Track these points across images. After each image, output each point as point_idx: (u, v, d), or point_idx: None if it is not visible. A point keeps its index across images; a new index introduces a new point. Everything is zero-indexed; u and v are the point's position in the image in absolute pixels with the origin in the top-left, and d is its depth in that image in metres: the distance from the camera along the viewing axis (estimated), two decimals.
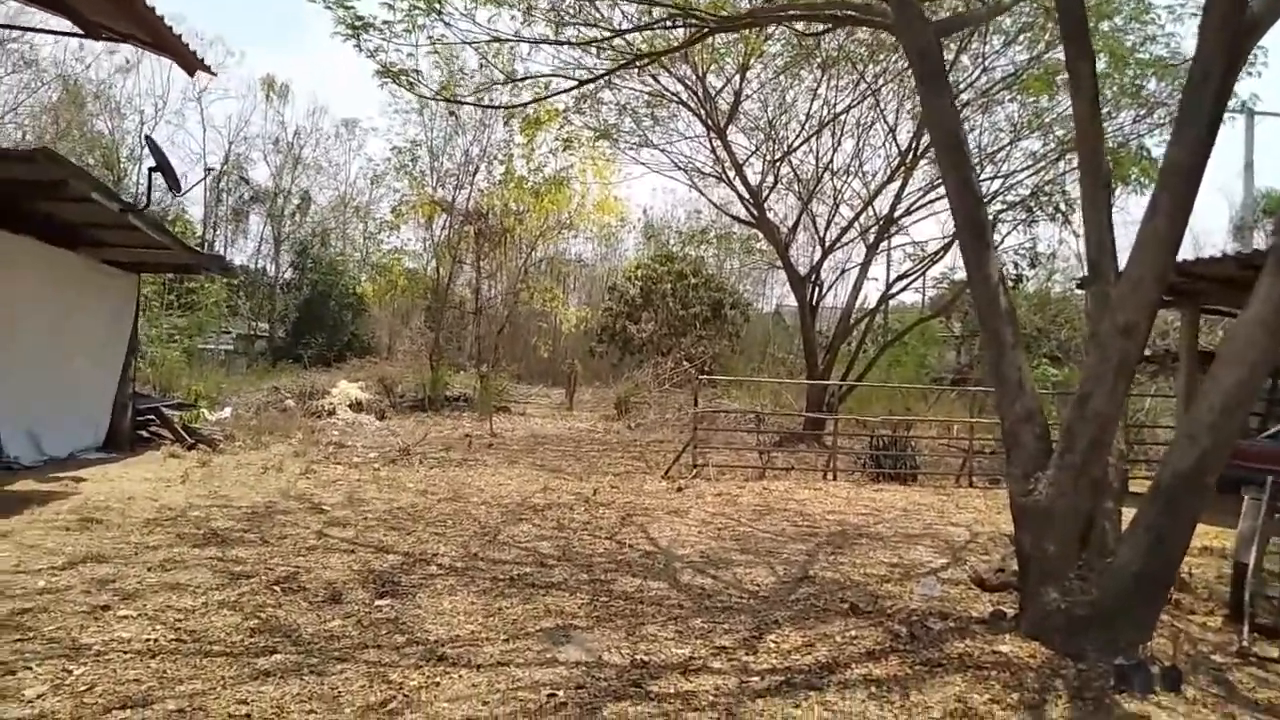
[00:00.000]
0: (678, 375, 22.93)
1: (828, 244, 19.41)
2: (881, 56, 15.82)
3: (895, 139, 17.63)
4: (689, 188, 26.33)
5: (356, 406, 18.54)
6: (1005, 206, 17.38)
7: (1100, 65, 10.90)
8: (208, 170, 25.10)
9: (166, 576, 5.55)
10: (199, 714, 3.55)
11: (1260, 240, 24.26)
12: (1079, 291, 23.97)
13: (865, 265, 19.05)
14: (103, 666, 4.00)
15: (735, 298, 30.38)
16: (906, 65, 15.48)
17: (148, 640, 4.36)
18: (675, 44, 10.80)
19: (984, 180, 15.84)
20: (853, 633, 4.96)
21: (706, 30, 9.12)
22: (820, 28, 12.14)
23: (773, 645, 4.71)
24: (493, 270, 28.78)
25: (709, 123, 16.68)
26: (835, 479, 12.32)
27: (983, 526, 8.87)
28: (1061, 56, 13.55)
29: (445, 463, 12.18)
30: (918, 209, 18.25)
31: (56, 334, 10.58)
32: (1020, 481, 4.99)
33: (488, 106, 15.56)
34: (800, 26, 12.44)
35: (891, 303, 22.94)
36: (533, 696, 3.85)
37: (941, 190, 17.16)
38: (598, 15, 10.23)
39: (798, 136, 17.92)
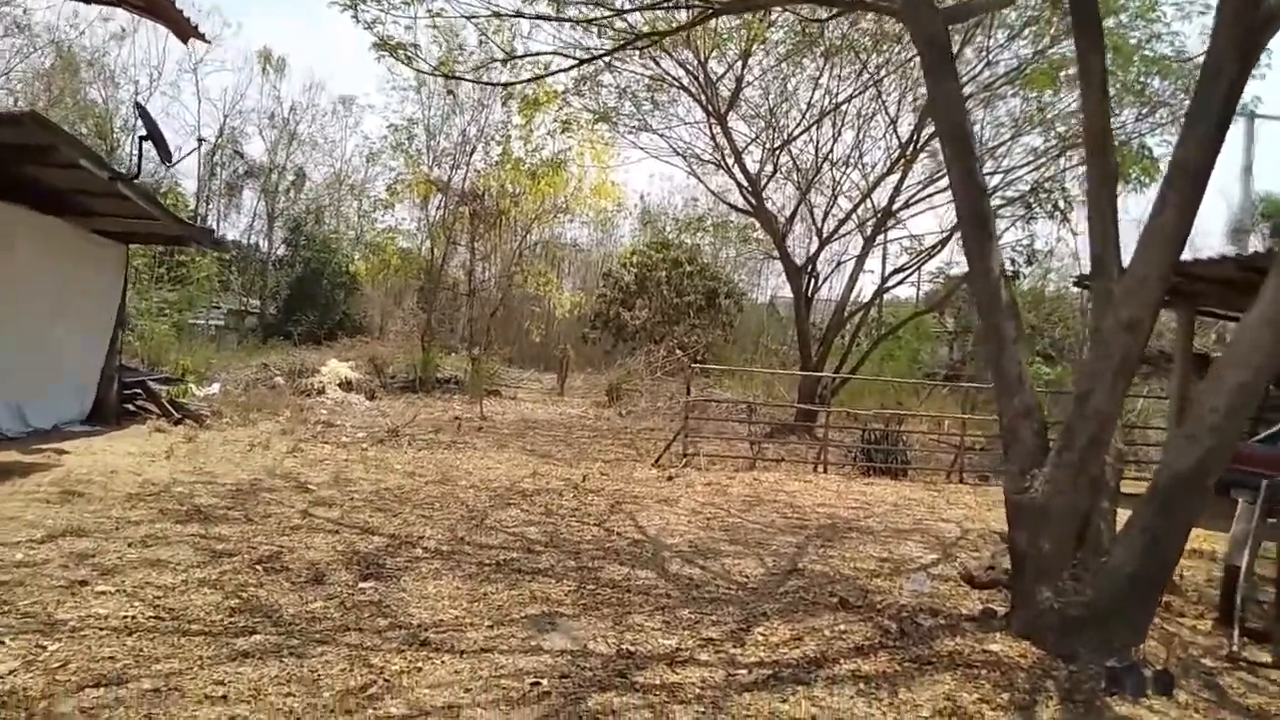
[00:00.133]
0: (670, 363, 22.85)
1: (825, 235, 19.30)
2: (885, 47, 15.71)
3: (896, 131, 17.52)
4: (687, 174, 26.30)
5: (346, 386, 18.41)
6: (1004, 202, 17.29)
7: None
8: (200, 140, 24.81)
9: (147, 552, 5.46)
10: (174, 694, 3.47)
11: (1257, 243, 24.27)
12: (1074, 290, 24.03)
13: (862, 257, 18.95)
14: (77, 643, 3.91)
15: (730, 287, 30.27)
16: (910, 57, 15.42)
17: (125, 617, 4.28)
18: (678, 25, 10.62)
19: (984, 174, 15.75)
20: (842, 627, 4.90)
21: (711, 11, 8.99)
22: (825, 14, 12.01)
23: (760, 638, 4.66)
24: (487, 252, 28.62)
25: (709, 108, 16.52)
26: (826, 471, 12.29)
27: (973, 523, 8.84)
28: (1065, 52, 13.65)
29: (434, 445, 12.09)
30: (916, 202, 18.16)
31: (43, 303, 10.41)
32: (1017, 478, 4.93)
33: (486, 84, 15.40)
34: (805, 11, 12.32)
35: (885, 297, 22.93)
36: (516, 685, 3.79)
37: (940, 184, 17.16)
38: None
39: (798, 125, 17.77)
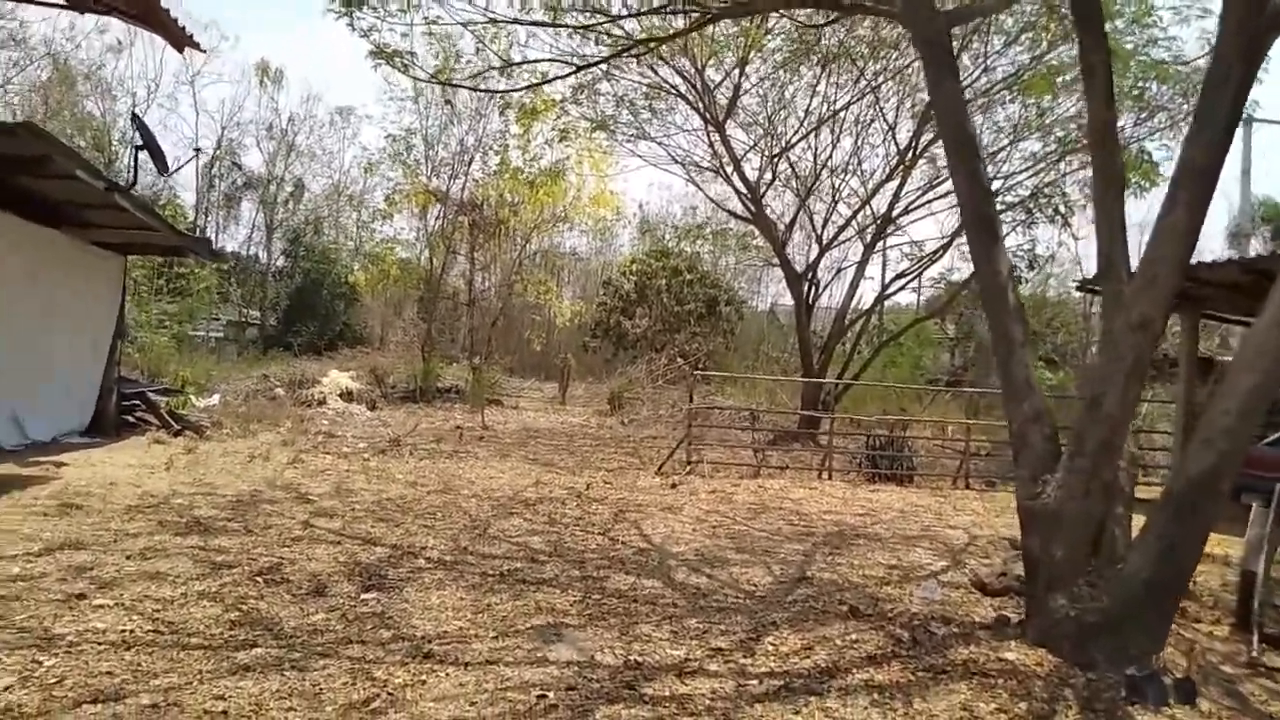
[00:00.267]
0: (672, 371, 22.79)
1: (825, 242, 19.25)
2: (882, 54, 15.69)
3: (895, 137, 17.50)
4: (686, 182, 26.27)
5: (347, 396, 18.33)
6: (1004, 208, 17.24)
7: None
8: (196, 150, 24.78)
9: (146, 565, 5.38)
10: (173, 709, 3.39)
11: (1257, 247, 24.22)
12: (1076, 294, 23.98)
13: (862, 264, 18.92)
14: (75, 658, 3.84)
15: (730, 295, 30.24)
16: (907, 63, 15.42)
17: (123, 631, 4.20)
18: (674, 31, 10.59)
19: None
20: (853, 636, 4.82)
21: (709, 17, 8.95)
22: (823, 20, 11.98)
23: (770, 648, 4.57)
24: (487, 262, 28.58)
25: (707, 116, 16.51)
26: (831, 478, 12.20)
27: (981, 529, 8.75)
28: (1063, 58, 13.64)
29: (436, 454, 12.01)
30: (916, 208, 18.16)
31: (41, 315, 10.36)
32: (1028, 484, 4.86)
33: (484, 91, 15.38)
34: (803, 18, 12.29)
35: (886, 303, 22.87)
36: (522, 697, 3.70)
37: (940, 190, 17.18)
38: (598, 1, 10.04)
39: (796, 133, 17.76)
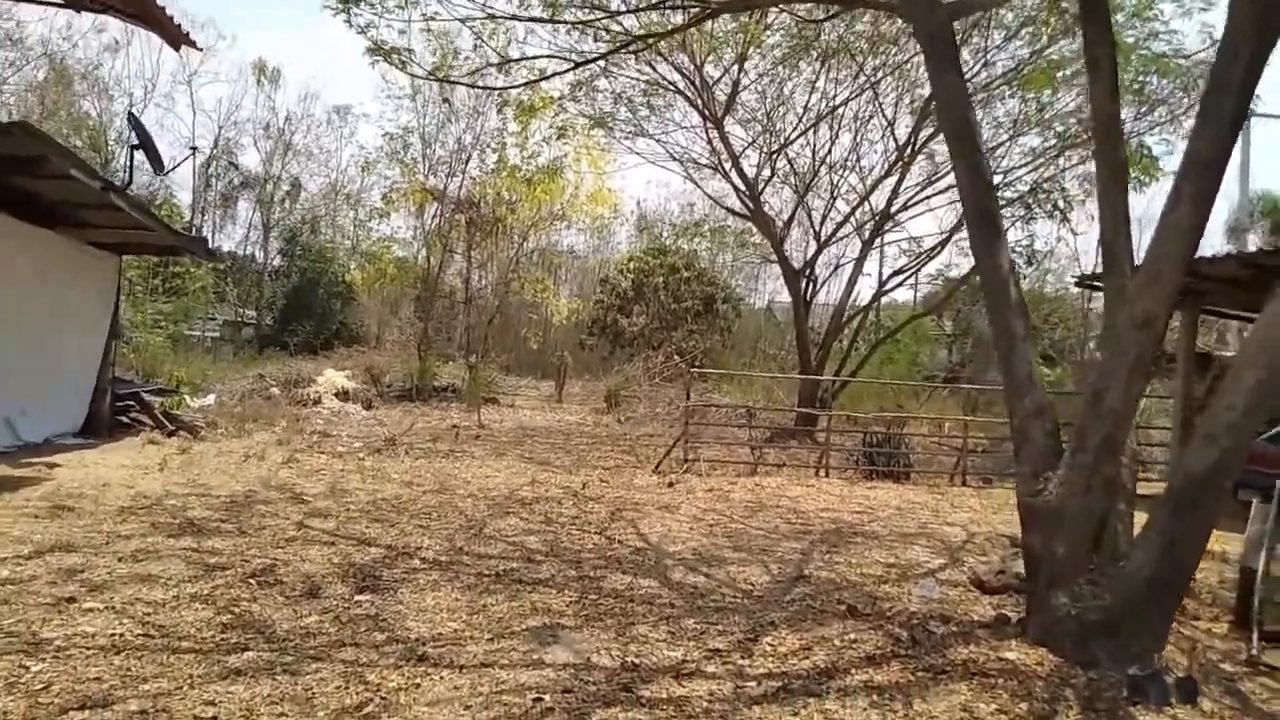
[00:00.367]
0: (669, 369, 22.73)
1: (823, 238, 19.20)
2: (881, 49, 15.62)
3: (893, 133, 17.43)
4: (684, 180, 26.20)
5: (343, 395, 18.27)
6: (1004, 203, 17.19)
7: None
8: (193, 149, 24.62)
9: (137, 567, 5.32)
10: (162, 715, 3.34)
11: (1256, 241, 24.21)
12: (1074, 290, 23.93)
13: (860, 260, 18.86)
14: (63, 663, 3.78)
15: (727, 292, 30.18)
16: (907, 59, 15.36)
17: (113, 635, 4.14)
18: (673, 27, 10.53)
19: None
20: (851, 636, 4.77)
21: (708, 12, 8.89)
22: (822, 14, 11.92)
23: (769, 648, 4.52)
24: (483, 260, 28.50)
25: (706, 113, 16.44)
26: (828, 476, 12.16)
27: (979, 526, 8.71)
28: (1063, 52, 13.59)
29: (431, 454, 11.95)
30: (914, 204, 18.11)
31: (34, 315, 10.28)
32: (1029, 480, 4.81)
33: (482, 88, 15.31)
34: (803, 12, 12.23)
35: (884, 300, 22.82)
36: (518, 701, 3.65)
37: (938, 186, 17.14)
38: None
39: (795, 129, 17.69)
